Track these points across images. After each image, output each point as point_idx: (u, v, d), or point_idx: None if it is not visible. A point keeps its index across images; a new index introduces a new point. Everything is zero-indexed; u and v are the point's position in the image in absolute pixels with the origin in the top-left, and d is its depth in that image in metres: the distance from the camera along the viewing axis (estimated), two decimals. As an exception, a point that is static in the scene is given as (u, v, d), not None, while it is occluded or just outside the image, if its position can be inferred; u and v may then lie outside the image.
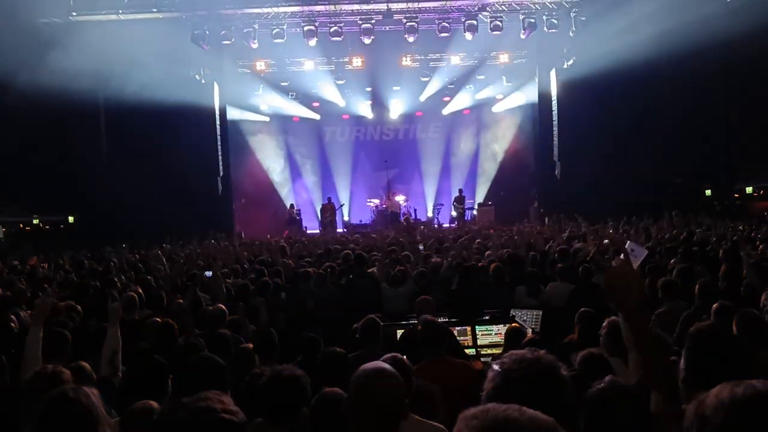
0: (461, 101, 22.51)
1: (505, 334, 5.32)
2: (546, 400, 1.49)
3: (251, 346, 4.32)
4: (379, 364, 2.20)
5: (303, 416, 2.73)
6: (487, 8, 17.03)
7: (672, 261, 7.35)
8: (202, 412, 1.35)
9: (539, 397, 1.49)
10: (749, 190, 15.80)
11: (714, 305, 4.51)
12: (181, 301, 6.10)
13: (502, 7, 16.96)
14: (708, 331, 2.35)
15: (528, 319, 6.19)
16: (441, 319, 5.20)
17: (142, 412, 2.67)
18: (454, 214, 21.37)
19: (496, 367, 1.59)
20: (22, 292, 6.85)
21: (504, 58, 19.12)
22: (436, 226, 19.51)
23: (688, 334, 2.38)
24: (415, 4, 16.58)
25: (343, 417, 2.13)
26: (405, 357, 3.15)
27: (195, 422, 1.34)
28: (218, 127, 19.42)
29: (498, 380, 1.55)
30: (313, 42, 17.08)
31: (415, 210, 21.57)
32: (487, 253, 9.46)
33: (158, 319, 5.02)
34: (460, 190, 21.22)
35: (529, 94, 21.14)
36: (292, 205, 21.22)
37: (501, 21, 16.85)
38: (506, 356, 1.62)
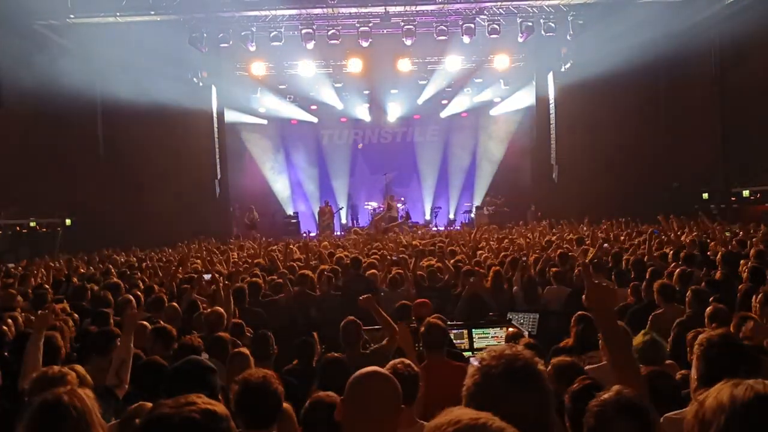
0: (459, 104, 22.54)
1: (505, 338, 5.36)
2: (524, 395, 1.52)
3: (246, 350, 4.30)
4: (375, 368, 2.20)
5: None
6: (485, 12, 17.02)
7: (672, 264, 7.34)
8: (183, 405, 1.44)
9: (518, 392, 1.51)
10: (746, 193, 15.81)
11: (707, 309, 4.51)
12: (176, 304, 6.08)
13: (500, 10, 16.96)
14: (718, 341, 2.32)
15: (525, 322, 6.21)
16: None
17: (137, 415, 2.66)
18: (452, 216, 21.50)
19: (475, 363, 1.59)
20: (11, 297, 6.78)
21: (502, 61, 19.12)
22: (433, 228, 19.54)
23: (697, 344, 2.35)
24: (413, 8, 16.56)
25: (337, 421, 2.13)
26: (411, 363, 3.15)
27: (177, 414, 1.41)
28: (216, 129, 19.40)
29: (477, 376, 1.56)
30: (310, 45, 17.06)
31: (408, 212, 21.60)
32: (483, 255, 9.44)
33: (146, 323, 4.99)
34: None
35: (526, 98, 21.17)
36: (251, 208, 20.19)
37: (499, 24, 16.85)
38: (485, 352, 1.63)
